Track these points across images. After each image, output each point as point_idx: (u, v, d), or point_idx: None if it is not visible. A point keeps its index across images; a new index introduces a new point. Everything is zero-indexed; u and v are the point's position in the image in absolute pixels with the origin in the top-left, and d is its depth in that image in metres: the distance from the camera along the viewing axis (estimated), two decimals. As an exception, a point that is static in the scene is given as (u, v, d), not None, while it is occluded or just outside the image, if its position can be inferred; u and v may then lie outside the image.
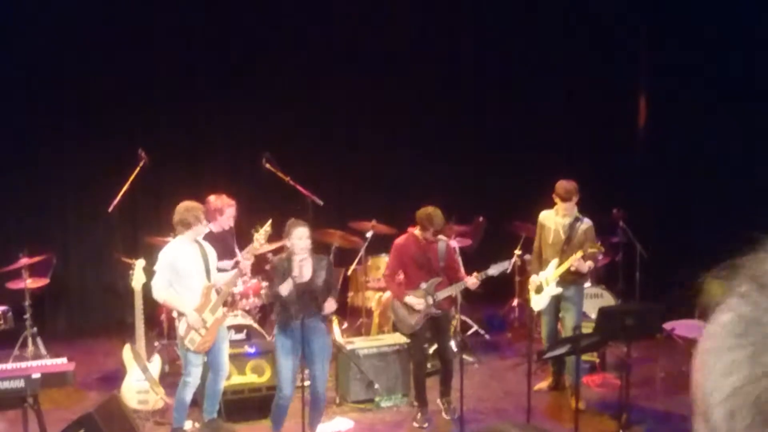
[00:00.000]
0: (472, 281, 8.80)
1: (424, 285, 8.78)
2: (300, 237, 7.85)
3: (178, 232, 8.38)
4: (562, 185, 9.37)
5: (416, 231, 8.88)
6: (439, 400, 9.22)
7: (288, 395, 8.10)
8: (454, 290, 8.90)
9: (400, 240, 9.08)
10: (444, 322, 9.13)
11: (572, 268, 9.21)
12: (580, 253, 9.10)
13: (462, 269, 9.19)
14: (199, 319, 8.22)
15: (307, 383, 8.21)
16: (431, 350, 9.72)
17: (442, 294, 8.87)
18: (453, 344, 9.36)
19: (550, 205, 9.52)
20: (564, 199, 9.37)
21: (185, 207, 8.34)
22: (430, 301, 8.80)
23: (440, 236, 9.00)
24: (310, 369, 8.15)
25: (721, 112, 11.66)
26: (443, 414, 9.14)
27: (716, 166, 11.81)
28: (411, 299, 8.85)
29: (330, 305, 8.05)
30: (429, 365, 9.61)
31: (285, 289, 7.82)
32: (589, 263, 9.26)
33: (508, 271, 9.32)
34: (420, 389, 9.11)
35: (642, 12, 12.99)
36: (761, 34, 11.26)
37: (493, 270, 8.87)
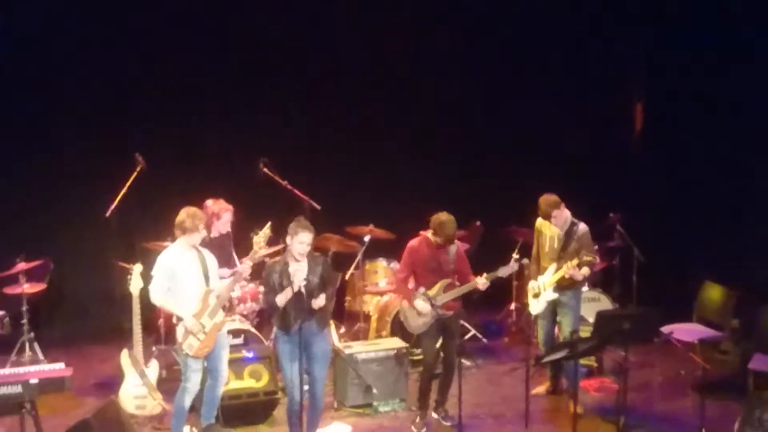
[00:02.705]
0: (482, 281, 8.80)
1: (422, 290, 8.81)
2: (302, 242, 7.85)
3: (175, 236, 8.38)
4: (540, 201, 9.42)
5: (429, 234, 8.85)
6: (434, 413, 9.18)
7: (298, 400, 8.06)
8: (461, 291, 8.88)
9: (413, 242, 9.03)
10: (454, 324, 9.08)
11: (567, 276, 9.22)
12: (575, 261, 9.11)
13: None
14: (198, 324, 8.20)
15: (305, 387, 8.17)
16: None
17: (449, 296, 8.84)
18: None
19: None
20: (544, 216, 9.42)
21: (187, 212, 8.33)
22: (441, 301, 8.80)
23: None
24: (310, 373, 8.12)
25: (719, 116, 11.66)
26: (441, 421, 9.11)
27: (713, 170, 11.81)
28: (419, 304, 8.81)
29: (318, 301, 7.95)
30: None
31: (282, 299, 7.83)
32: (585, 270, 9.24)
33: (515, 271, 9.33)
34: (424, 392, 9.05)
35: (640, 16, 12.97)
36: (760, 40, 11.27)
37: (501, 272, 8.92)
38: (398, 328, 10.41)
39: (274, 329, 8.21)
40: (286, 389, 8.21)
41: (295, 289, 7.78)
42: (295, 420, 8.21)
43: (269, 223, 8.16)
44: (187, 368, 8.35)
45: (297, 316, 7.83)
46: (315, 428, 8.39)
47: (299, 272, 7.85)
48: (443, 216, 8.74)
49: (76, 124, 12.24)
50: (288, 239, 7.93)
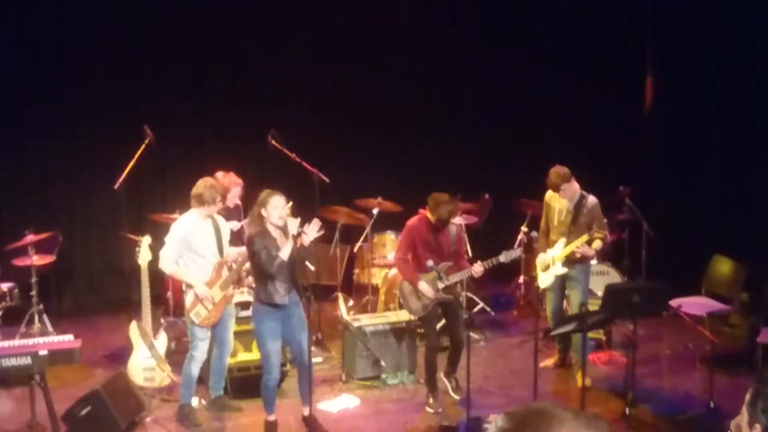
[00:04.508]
0: (477, 269, 8.63)
1: (430, 263, 8.47)
2: (276, 206, 7.73)
3: (192, 206, 8.37)
4: (550, 173, 9.32)
5: (428, 213, 8.75)
6: (444, 378, 9.12)
7: (277, 377, 8.12)
8: (459, 278, 8.75)
9: (412, 221, 8.87)
10: (455, 306, 8.87)
11: (577, 254, 9.16)
12: (585, 237, 9.04)
13: (466, 255, 8.99)
14: (208, 293, 8.22)
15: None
16: (438, 326, 9.49)
17: (452, 279, 8.66)
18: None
19: None
20: (552, 188, 9.35)
21: (205, 184, 8.34)
22: (442, 285, 8.61)
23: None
24: (293, 342, 8.09)
25: (729, 88, 11.60)
26: (450, 392, 9.06)
27: (723, 142, 11.76)
28: (423, 286, 8.66)
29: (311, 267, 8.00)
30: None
31: (286, 253, 7.72)
32: (597, 243, 9.18)
33: (518, 257, 9.21)
34: (431, 374, 8.93)
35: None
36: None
37: (504, 257, 8.74)
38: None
39: (256, 305, 8.07)
40: (264, 367, 8.11)
41: (289, 239, 7.70)
42: (271, 397, 8.20)
43: (290, 203, 8.12)
44: (194, 337, 8.39)
45: (284, 285, 7.81)
46: (310, 398, 8.29)
47: (289, 231, 7.77)
48: (442, 197, 8.57)
49: (85, 96, 12.24)
50: (263, 211, 7.78)
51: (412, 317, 9.38)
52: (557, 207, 9.47)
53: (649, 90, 13.38)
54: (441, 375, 9.11)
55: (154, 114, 11.52)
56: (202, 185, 8.33)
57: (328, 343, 10.61)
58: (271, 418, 8.25)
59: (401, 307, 10.16)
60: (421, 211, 8.91)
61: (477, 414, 8.29)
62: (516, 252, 8.97)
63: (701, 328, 9.33)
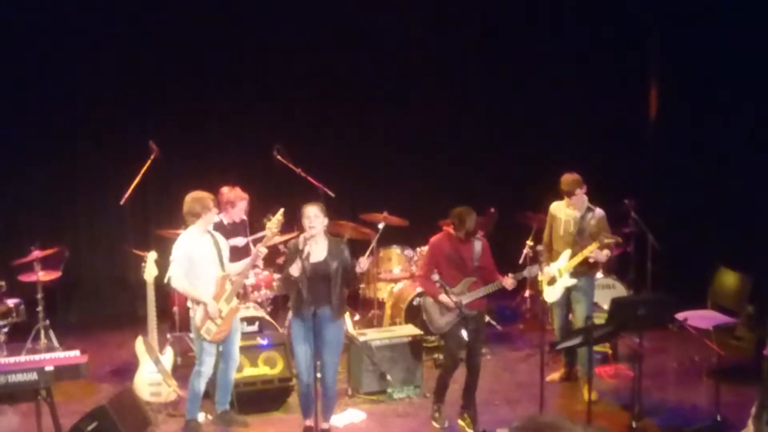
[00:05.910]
0: (510, 282, 8.49)
1: (435, 276, 8.35)
2: (308, 216, 7.82)
3: (189, 223, 8.39)
4: (563, 179, 9.35)
5: (451, 229, 8.67)
6: (460, 420, 8.77)
7: (306, 382, 8.05)
8: (487, 290, 8.58)
9: (435, 239, 8.80)
10: (479, 324, 8.74)
11: (590, 259, 9.14)
12: (596, 244, 9.02)
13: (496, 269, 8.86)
14: (217, 309, 8.23)
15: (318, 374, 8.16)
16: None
17: (474, 294, 8.52)
18: (464, 334, 8.53)
19: (561, 195, 9.48)
20: (567, 194, 9.35)
21: (192, 197, 8.36)
22: (465, 300, 8.46)
23: (476, 235, 8.79)
24: (320, 359, 8.02)
25: (733, 102, 11.61)
26: (466, 428, 8.66)
27: (728, 156, 11.76)
28: (444, 298, 8.49)
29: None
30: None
31: (295, 269, 7.78)
32: (606, 252, 9.17)
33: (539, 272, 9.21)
34: (441, 391, 8.82)
35: (654, 1, 12.93)
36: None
37: (526, 272, 8.72)
38: (412, 316, 10.42)
39: (290, 313, 8.18)
40: (297, 372, 8.22)
41: (303, 257, 7.75)
42: (305, 402, 8.24)
43: (282, 210, 8.15)
44: (203, 352, 8.37)
45: (312, 301, 7.80)
46: (329, 415, 8.38)
47: (316, 247, 7.86)
48: (462, 210, 8.48)
49: (90, 112, 12.28)
50: (303, 221, 7.93)
51: (417, 330, 9.34)
52: (563, 218, 9.46)
53: (653, 102, 13.39)
54: (458, 421, 8.87)
55: (160, 129, 11.55)
56: (189, 200, 8.36)
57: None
58: (307, 422, 8.30)
59: (407, 321, 10.17)
60: (444, 228, 8.88)
61: (483, 428, 8.28)
62: (538, 269, 8.94)
63: (707, 341, 9.32)
